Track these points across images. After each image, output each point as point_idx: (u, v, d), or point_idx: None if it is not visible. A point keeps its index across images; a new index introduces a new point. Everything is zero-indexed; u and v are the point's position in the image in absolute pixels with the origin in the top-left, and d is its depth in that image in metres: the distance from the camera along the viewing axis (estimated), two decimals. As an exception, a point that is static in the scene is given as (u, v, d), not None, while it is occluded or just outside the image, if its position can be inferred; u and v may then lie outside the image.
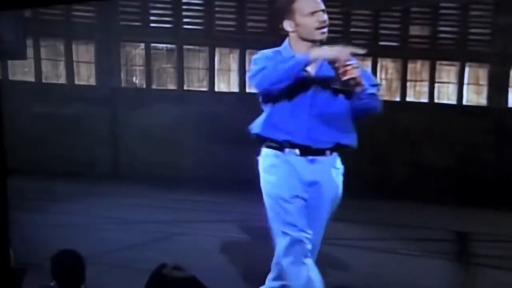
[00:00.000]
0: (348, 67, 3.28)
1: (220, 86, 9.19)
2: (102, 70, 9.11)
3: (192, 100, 8.79)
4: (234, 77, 9.15)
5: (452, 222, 6.65)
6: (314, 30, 3.43)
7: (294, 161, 3.50)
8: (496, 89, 8.64)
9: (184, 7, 9.09)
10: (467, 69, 8.75)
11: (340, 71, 3.29)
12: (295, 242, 3.51)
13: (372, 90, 3.39)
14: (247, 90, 8.66)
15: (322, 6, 3.46)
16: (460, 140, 8.16)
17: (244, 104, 8.84)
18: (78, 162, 8.48)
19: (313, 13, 3.42)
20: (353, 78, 3.28)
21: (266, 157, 3.58)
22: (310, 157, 3.50)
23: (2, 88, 6.55)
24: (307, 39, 3.47)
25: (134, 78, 9.35)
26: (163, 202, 7.31)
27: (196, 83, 9.26)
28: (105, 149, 8.85)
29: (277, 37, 9.33)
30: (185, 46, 9.16)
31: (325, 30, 3.45)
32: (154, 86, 9.22)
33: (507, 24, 8.18)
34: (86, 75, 9.26)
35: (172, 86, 9.20)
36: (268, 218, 3.60)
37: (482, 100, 8.78)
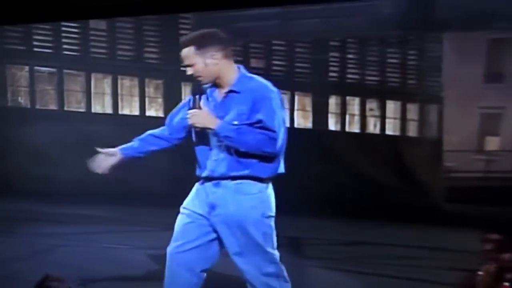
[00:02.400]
0: (189, 115, 3.38)
1: (96, 108, 9.66)
2: None
3: (71, 120, 9.15)
4: (108, 100, 9.66)
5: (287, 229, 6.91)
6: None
7: (202, 185, 3.48)
8: (318, 114, 9.70)
9: (64, 34, 9.48)
10: (296, 97, 9.75)
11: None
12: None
13: (227, 133, 3.32)
14: (120, 112, 9.21)
15: (185, 62, 3.41)
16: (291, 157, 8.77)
17: (117, 124, 9.39)
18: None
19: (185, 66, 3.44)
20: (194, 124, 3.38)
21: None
22: (214, 181, 3.43)
23: None
24: None
25: (19, 98, 9.62)
26: (45, 216, 7.29)
27: (74, 104, 9.68)
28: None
29: (146, 64, 9.83)
30: (64, 70, 9.58)
31: (199, 79, 3.41)
32: (37, 106, 9.55)
33: (323, 60, 9.29)
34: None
35: (53, 107, 9.57)
36: None
37: (309, 124, 9.78)
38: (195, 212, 3.48)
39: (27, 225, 6.77)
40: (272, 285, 3.46)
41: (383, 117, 9.89)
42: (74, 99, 9.69)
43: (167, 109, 9.42)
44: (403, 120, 9.88)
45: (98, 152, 3.62)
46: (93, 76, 9.67)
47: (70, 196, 7.75)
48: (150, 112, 9.60)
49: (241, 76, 3.46)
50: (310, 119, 9.76)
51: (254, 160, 3.37)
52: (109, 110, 9.66)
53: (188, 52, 3.40)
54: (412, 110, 9.86)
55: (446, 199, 8.75)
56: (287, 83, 9.56)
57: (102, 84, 9.72)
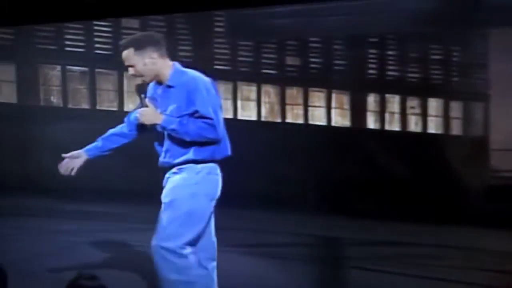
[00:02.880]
0: (137, 114, 3.81)
1: (129, 106, 9.56)
2: (22, 89, 9.36)
3: (104, 119, 9.02)
4: (141, 98, 9.57)
5: (323, 228, 6.96)
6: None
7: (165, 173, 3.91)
8: (356, 112, 9.53)
9: (95, 33, 9.51)
10: (333, 95, 9.60)
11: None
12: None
13: (172, 126, 3.67)
14: None
15: (126, 63, 3.84)
16: (327, 156, 8.52)
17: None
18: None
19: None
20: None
21: None
22: (169, 169, 3.84)
23: None
24: None
25: (51, 97, 9.64)
26: (65, 213, 7.35)
27: (106, 103, 9.67)
28: (19, 163, 8.70)
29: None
30: (96, 69, 9.55)
31: (141, 78, 3.84)
32: (70, 106, 9.56)
33: (359, 57, 9.14)
34: (7, 94, 9.48)
35: (85, 106, 9.57)
36: None
37: (347, 122, 9.64)
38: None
39: (50, 222, 6.92)
40: (169, 259, 3.70)
41: (424, 115, 9.69)
42: (106, 98, 9.70)
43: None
44: (446, 118, 9.67)
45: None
46: (125, 74, 9.54)
47: (95, 193, 7.79)
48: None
49: (175, 71, 3.82)
50: (348, 118, 9.63)
51: (193, 147, 3.74)
52: (141, 108, 9.55)
53: (128, 54, 3.81)
54: (456, 108, 9.66)
55: (491, 199, 8.52)
56: (324, 80, 9.46)
57: (134, 83, 9.60)
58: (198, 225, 3.74)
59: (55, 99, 9.64)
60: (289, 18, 8.55)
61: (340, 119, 9.65)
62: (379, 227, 7.22)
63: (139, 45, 3.79)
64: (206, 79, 3.79)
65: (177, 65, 3.85)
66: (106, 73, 9.65)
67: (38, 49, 9.31)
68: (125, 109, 9.54)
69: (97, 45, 9.52)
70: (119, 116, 9.36)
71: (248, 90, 9.63)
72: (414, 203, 7.96)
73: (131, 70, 3.82)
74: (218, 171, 3.82)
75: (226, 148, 3.83)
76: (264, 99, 9.53)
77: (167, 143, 3.80)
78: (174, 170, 3.79)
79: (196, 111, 3.67)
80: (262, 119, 9.69)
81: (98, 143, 4.08)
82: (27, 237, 6.15)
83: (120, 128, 4.09)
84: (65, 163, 4.02)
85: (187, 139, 3.68)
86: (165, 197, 3.80)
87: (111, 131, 4.10)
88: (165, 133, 3.77)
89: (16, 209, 7.19)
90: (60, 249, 5.72)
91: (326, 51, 9.49)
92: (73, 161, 4.01)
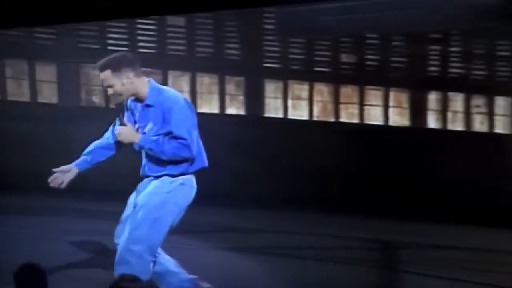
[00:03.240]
0: (116, 133, 4.08)
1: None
2: (64, 89, 9.26)
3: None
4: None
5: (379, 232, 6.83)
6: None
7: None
8: (416, 111, 9.10)
9: (139, 32, 9.31)
10: (391, 93, 9.18)
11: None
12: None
13: (149, 145, 3.95)
14: (198, 110, 8.84)
15: (104, 84, 4.11)
16: (385, 156, 8.31)
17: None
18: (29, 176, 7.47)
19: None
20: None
21: None
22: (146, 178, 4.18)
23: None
24: None
25: (93, 97, 9.51)
26: (70, 212, 7.19)
27: (150, 102, 9.43)
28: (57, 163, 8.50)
29: (225, 62, 9.69)
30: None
31: (119, 97, 4.12)
32: (111, 105, 9.28)
33: (419, 54, 8.74)
34: (48, 94, 9.40)
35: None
36: None
37: (405, 122, 9.20)
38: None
39: (52, 220, 6.90)
40: (130, 261, 3.87)
41: (491, 114, 9.11)
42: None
43: (249, 107, 9.21)
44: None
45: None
46: (170, 74, 9.40)
47: (100, 193, 7.55)
48: (231, 110, 9.26)
49: (152, 89, 4.06)
50: (407, 117, 9.19)
51: (169, 165, 4.00)
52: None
53: (106, 75, 4.04)
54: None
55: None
56: (381, 78, 9.04)
57: (179, 82, 9.43)
58: (163, 231, 3.99)
59: (97, 99, 9.49)
60: (344, 14, 8.28)
61: (399, 118, 9.25)
62: (440, 230, 7.08)
63: (115, 67, 3.99)
64: (181, 98, 4.05)
65: (153, 82, 4.09)
66: (149, 72, 9.37)
67: (79, 48, 9.12)
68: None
69: (140, 44, 9.31)
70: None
71: (300, 89, 9.33)
72: (483, 206, 7.63)
73: (110, 90, 4.06)
74: (194, 182, 4.09)
75: (202, 161, 4.10)
76: (316, 98, 9.18)
77: (145, 159, 4.10)
78: (151, 177, 4.09)
79: (171, 132, 3.92)
80: (314, 118, 9.34)
81: (87, 157, 4.26)
82: (28, 235, 6.13)
83: (106, 139, 4.27)
84: (54, 177, 4.18)
85: (163, 157, 3.95)
86: (138, 200, 4.07)
87: (97, 143, 4.29)
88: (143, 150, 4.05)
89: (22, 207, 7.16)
90: (61, 248, 5.75)
91: (384, 47, 9.08)
92: (64, 175, 4.18)
